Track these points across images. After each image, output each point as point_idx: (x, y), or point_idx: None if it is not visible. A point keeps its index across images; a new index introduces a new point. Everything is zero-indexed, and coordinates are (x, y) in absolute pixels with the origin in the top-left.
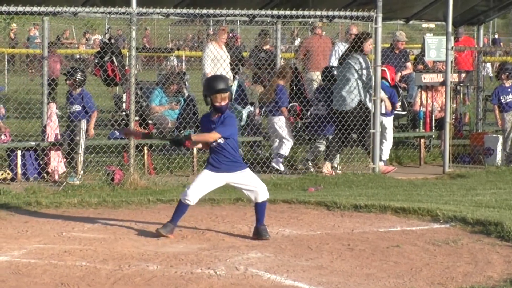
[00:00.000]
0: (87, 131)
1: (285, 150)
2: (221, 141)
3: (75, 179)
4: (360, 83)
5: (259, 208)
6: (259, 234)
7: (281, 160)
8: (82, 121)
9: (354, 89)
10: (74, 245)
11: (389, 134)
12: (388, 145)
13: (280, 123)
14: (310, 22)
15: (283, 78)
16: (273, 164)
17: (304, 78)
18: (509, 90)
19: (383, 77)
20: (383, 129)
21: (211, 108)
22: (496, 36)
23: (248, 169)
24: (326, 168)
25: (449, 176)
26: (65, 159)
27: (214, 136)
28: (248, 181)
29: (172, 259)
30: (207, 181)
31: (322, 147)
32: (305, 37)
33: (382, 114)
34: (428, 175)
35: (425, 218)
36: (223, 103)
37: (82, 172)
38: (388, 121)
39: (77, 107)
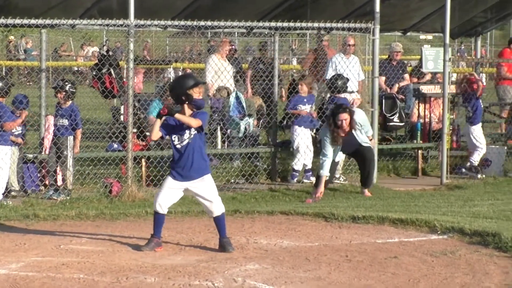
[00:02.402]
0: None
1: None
2: (189, 140)
3: (60, 195)
4: None
5: (218, 222)
6: (222, 247)
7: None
8: (69, 137)
9: None
10: (72, 258)
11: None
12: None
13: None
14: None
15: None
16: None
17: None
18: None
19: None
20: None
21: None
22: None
23: (209, 176)
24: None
25: (446, 187)
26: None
27: (197, 122)
28: (206, 192)
29: (170, 271)
30: (170, 190)
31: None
32: (314, 47)
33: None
34: (426, 186)
35: (423, 229)
36: (200, 96)
37: (71, 187)
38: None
39: (65, 121)
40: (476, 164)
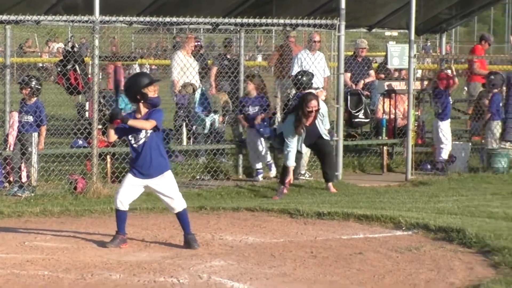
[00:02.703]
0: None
1: None
2: (146, 139)
3: (25, 192)
4: None
5: (181, 218)
6: (187, 243)
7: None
8: (33, 134)
9: None
10: (37, 255)
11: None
12: None
13: None
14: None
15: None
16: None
17: (277, 84)
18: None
19: None
20: None
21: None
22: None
23: (169, 172)
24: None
25: (411, 183)
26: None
27: (151, 124)
28: (166, 189)
29: (135, 267)
30: (131, 187)
31: (308, 152)
32: (280, 43)
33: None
34: (391, 183)
35: (388, 225)
36: (156, 94)
37: (36, 183)
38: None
39: (29, 118)
40: (444, 161)
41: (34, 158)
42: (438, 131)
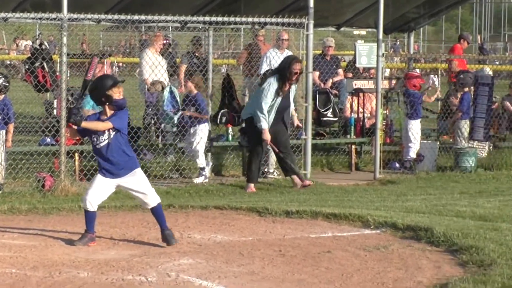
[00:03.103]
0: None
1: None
2: (109, 141)
3: None
4: None
5: (156, 213)
6: (165, 239)
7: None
8: (1, 131)
9: None
10: (4, 252)
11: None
12: None
13: None
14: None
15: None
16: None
17: (246, 83)
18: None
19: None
20: None
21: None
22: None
23: (139, 169)
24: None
25: (380, 182)
26: None
27: (106, 126)
28: (138, 186)
29: (103, 266)
30: (100, 187)
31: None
32: (249, 42)
33: None
34: (359, 181)
35: (356, 224)
36: (121, 96)
37: (3, 181)
38: None
39: None
40: (412, 160)
41: (2, 155)
42: (408, 130)
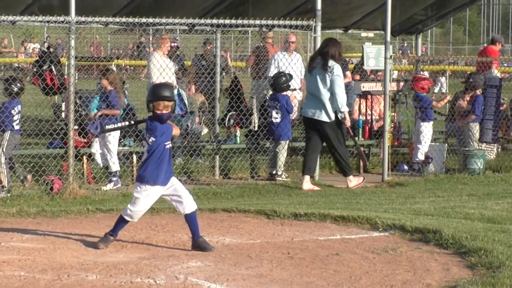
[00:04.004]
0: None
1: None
2: (168, 146)
3: (1, 192)
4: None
5: (190, 220)
6: (200, 247)
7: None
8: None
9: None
10: (13, 255)
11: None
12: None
13: None
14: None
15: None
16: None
17: (254, 85)
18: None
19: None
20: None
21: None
22: (405, 45)
23: (174, 177)
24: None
25: (388, 185)
26: None
27: (177, 132)
28: (176, 191)
29: (112, 268)
30: (153, 199)
31: (284, 153)
32: (257, 45)
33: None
34: (367, 184)
35: (364, 226)
36: (164, 111)
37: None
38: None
39: None
40: (421, 162)
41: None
42: (418, 132)
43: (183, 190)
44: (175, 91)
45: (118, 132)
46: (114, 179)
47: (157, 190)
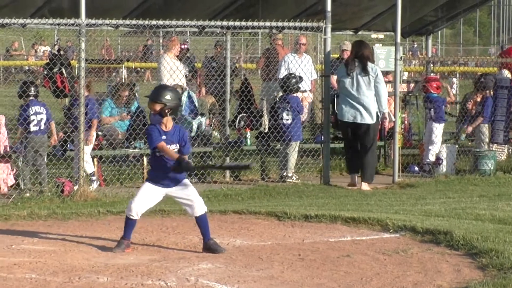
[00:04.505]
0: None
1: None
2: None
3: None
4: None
5: (201, 223)
6: (211, 249)
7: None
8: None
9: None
10: (24, 258)
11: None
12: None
13: None
14: (267, 33)
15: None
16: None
17: (264, 87)
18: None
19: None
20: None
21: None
22: (415, 45)
23: (186, 180)
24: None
25: (398, 186)
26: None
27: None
28: (186, 194)
29: (123, 271)
30: (149, 196)
31: (295, 154)
32: (267, 47)
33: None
34: (378, 185)
35: (375, 228)
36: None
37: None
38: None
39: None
40: (432, 163)
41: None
42: (430, 133)
43: (194, 192)
44: (185, 93)
45: (93, 137)
46: (94, 178)
47: (156, 189)
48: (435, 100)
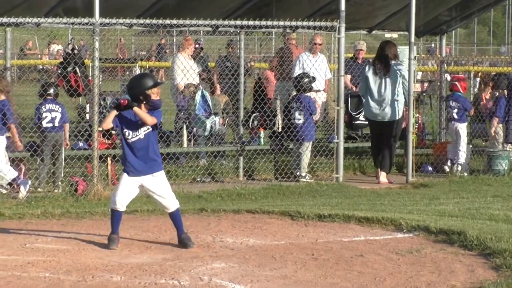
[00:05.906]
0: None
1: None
2: (141, 137)
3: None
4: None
5: (174, 218)
6: (182, 243)
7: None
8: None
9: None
10: (38, 257)
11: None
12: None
13: None
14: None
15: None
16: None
17: (277, 86)
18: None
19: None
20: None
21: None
22: (432, 45)
23: (162, 172)
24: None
25: (412, 186)
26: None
27: (153, 121)
28: (159, 188)
29: (136, 270)
30: (127, 186)
31: (308, 154)
32: (280, 46)
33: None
34: (392, 185)
35: (388, 228)
36: (158, 97)
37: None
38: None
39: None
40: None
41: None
42: (458, 134)
43: (167, 187)
44: (199, 92)
45: (4, 142)
46: (19, 181)
47: (132, 180)
48: (464, 100)
